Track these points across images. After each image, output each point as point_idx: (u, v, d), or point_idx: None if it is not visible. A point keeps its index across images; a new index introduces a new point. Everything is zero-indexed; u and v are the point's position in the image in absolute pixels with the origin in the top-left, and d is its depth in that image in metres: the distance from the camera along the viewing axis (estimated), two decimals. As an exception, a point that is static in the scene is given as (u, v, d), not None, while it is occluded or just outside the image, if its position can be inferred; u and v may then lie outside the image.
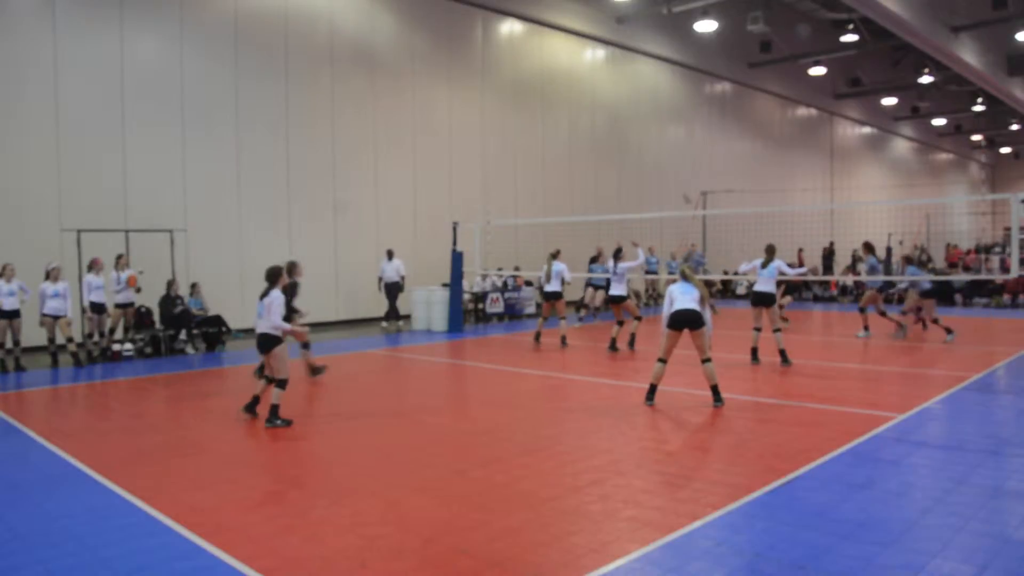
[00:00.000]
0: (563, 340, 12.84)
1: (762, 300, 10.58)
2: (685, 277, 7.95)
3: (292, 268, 9.04)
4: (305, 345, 9.72)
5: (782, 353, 10.36)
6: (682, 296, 7.77)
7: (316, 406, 8.37)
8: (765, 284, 10.57)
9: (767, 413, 7.48)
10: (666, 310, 7.90)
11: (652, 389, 7.91)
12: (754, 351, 10.70)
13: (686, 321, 7.68)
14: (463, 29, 19.07)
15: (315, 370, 9.84)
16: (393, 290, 15.83)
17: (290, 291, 8.57)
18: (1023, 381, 9.43)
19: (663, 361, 7.86)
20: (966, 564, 3.91)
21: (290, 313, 8.37)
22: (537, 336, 13.34)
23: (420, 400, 8.87)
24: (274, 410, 7.16)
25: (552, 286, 12.91)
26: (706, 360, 7.74)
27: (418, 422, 7.52)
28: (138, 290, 12.22)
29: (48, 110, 12.69)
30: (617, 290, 12.07)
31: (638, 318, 12.20)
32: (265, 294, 7.30)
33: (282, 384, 7.23)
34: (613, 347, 12.13)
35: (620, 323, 12.33)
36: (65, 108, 12.84)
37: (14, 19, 12.37)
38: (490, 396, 9.01)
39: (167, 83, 14.06)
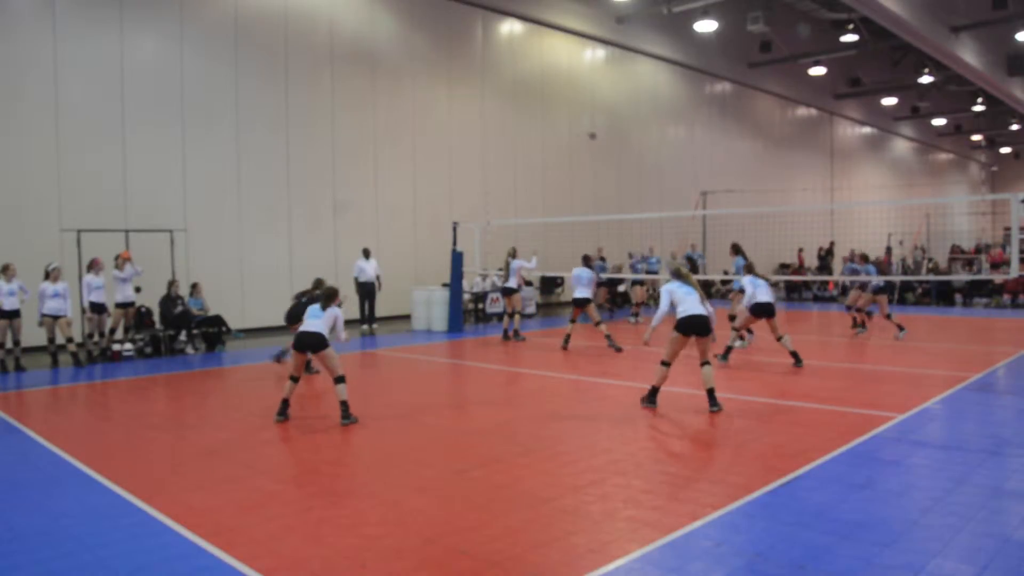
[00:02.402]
0: (515, 334, 13.70)
1: (764, 311, 10.52)
2: (682, 277, 7.68)
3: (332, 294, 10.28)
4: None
5: (794, 355, 10.31)
6: (687, 299, 7.48)
7: (316, 406, 8.37)
8: (767, 295, 10.58)
9: (767, 413, 7.48)
10: (664, 310, 7.62)
11: (654, 391, 7.78)
12: (728, 350, 10.72)
13: (699, 327, 7.43)
14: (463, 29, 19.06)
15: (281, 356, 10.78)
16: (371, 290, 15.34)
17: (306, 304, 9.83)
18: (1023, 381, 9.44)
19: (667, 364, 7.62)
20: (966, 564, 3.92)
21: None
22: (505, 333, 13.98)
23: (420, 400, 8.85)
24: (345, 407, 7.36)
25: (509, 283, 13.85)
26: (706, 363, 7.54)
27: (418, 422, 7.52)
28: (138, 289, 12.21)
29: (48, 110, 12.68)
30: (583, 293, 12.49)
31: (597, 323, 12.44)
32: (323, 308, 7.64)
33: (342, 379, 7.43)
34: (565, 345, 12.61)
35: (573, 321, 12.83)
36: (65, 108, 12.84)
37: (14, 19, 12.37)
38: (490, 396, 9.01)
39: (167, 83, 14.05)
